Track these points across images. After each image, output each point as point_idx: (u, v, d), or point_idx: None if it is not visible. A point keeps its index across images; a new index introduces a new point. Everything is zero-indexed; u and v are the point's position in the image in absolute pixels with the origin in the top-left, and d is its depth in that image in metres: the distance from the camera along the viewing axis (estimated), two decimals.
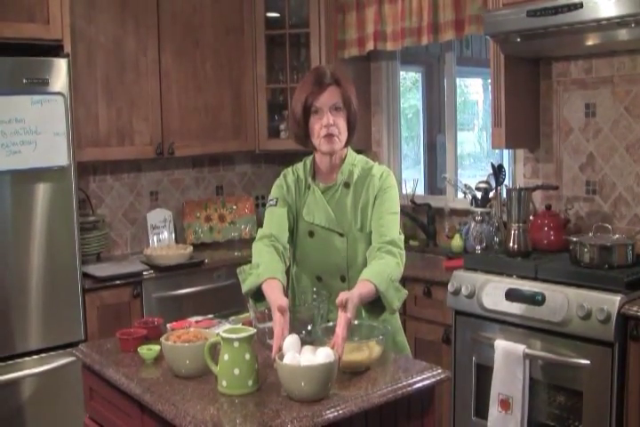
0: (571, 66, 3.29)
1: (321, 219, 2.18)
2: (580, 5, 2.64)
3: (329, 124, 2.09)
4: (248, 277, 2.06)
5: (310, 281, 2.26)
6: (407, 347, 2.36)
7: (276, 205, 2.22)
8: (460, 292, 2.97)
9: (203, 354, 1.86)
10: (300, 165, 2.29)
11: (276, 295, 1.92)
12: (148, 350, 2.03)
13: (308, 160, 2.28)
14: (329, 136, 2.10)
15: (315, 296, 2.17)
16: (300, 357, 1.73)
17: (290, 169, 2.30)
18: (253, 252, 2.16)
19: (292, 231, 2.25)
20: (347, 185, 2.19)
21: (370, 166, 2.24)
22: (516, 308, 2.79)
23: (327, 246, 2.18)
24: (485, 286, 2.91)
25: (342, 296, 1.84)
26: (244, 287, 2.06)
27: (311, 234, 2.20)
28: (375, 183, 2.18)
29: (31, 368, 3.07)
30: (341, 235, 2.17)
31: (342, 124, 2.11)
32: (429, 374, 1.90)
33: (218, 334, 1.86)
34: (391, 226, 2.13)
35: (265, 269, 2.03)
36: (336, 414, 1.67)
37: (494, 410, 2.79)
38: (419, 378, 1.88)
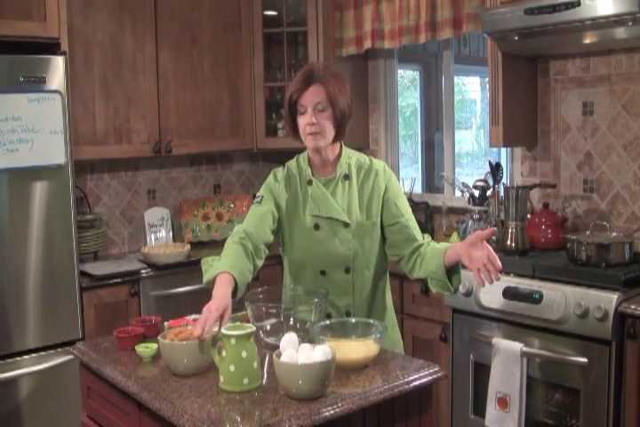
0: (568, 64, 3.29)
1: (326, 210, 2.21)
2: (578, 4, 2.64)
3: (311, 123, 2.13)
4: (209, 269, 2.07)
5: (313, 276, 2.26)
6: (400, 344, 2.38)
7: (260, 203, 2.25)
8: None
9: (200, 352, 1.87)
10: (292, 162, 2.32)
11: (221, 291, 1.94)
12: (145, 349, 2.03)
13: (302, 157, 2.31)
14: (312, 134, 2.14)
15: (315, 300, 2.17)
16: (297, 355, 1.73)
17: (280, 167, 2.33)
18: (224, 247, 2.17)
19: (278, 229, 2.26)
20: (346, 177, 2.24)
21: (367, 160, 2.30)
22: (513, 306, 2.79)
23: (333, 238, 2.21)
24: None
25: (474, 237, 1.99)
26: (204, 279, 2.07)
27: (317, 227, 2.21)
28: (380, 179, 2.25)
29: (29, 367, 3.06)
30: (346, 225, 2.21)
31: (326, 122, 2.14)
32: (427, 373, 1.91)
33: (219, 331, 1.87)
34: (418, 228, 2.26)
35: (224, 263, 2.04)
36: (334, 412, 1.67)
37: (492, 408, 2.79)
38: (416, 376, 1.88)
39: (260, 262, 2.18)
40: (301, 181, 2.27)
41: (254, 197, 2.33)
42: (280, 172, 2.31)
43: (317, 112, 2.13)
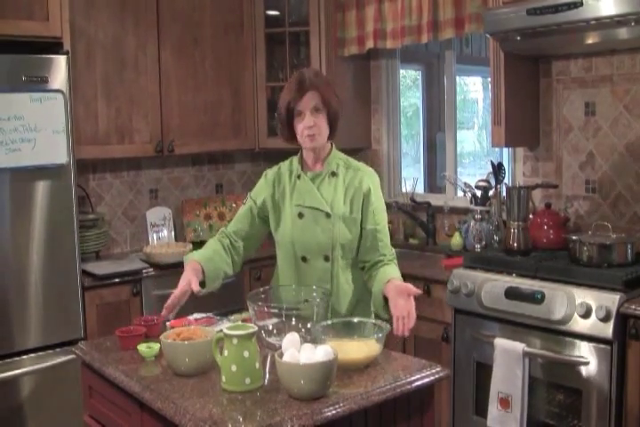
0: (570, 64, 3.29)
1: (310, 201, 2.37)
2: (580, 4, 2.64)
3: (310, 126, 2.29)
4: (185, 261, 2.37)
5: (295, 262, 2.39)
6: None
7: (245, 204, 2.50)
8: (459, 290, 2.97)
9: (202, 352, 1.88)
10: (286, 162, 2.50)
11: (187, 275, 2.26)
12: (147, 348, 2.04)
13: (295, 157, 2.48)
14: (310, 136, 2.31)
15: (314, 295, 2.25)
16: (299, 355, 1.73)
17: (274, 166, 2.52)
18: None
19: (262, 222, 2.47)
20: (333, 174, 2.40)
21: (355, 163, 2.46)
22: (515, 306, 2.79)
23: (315, 226, 2.36)
24: (485, 285, 2.91)
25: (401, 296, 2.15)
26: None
27: (300, 215, 2.37)
28: (366, 180, 2.39)
29: (30, 366, 3.06)
30: (328, 215, 2.34)
31: (322, 123, 2.31)
32: (429, 373, 1.91)
33: (221, 330, 1.87)
34: (387, 239, 2.41)
35: (195, 254, 2.37)
36: (335, 412, 1.67)
37: (494, 408, 2.79)
38: (418, 376, 1.88)
39: (238, 258, 2.45)
40: (291, 176, 2.44)
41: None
42: (271, 170, 2.51)
43: (314, 114, 2.29)
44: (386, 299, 2.21)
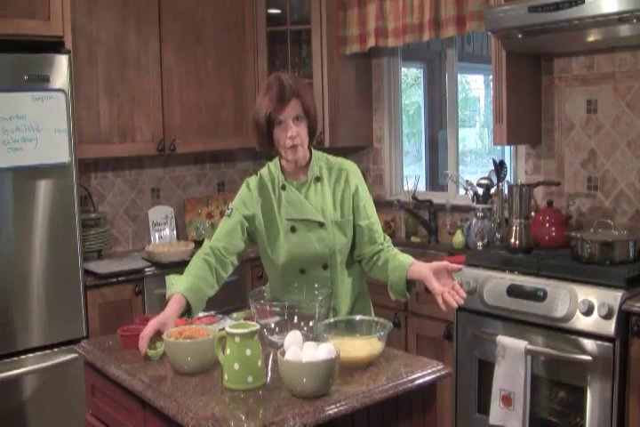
0: (572, 62, 3.29)
1: (301, 213, 2.27)
2: (582, 1, 2.63)
3: (293, 136, 2.19)
4: (170, 286, 2.18)
5: (293, 275, 2.31)
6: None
7: (230, 216, 2.33)
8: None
9: (204, 350, 1.88)
10: (264, 170, 2.38)
11: (165, 312, 2.08)
12: (152, 348, 2.03)
13: (273, 164, 2.36)
14: (293, 147, 2.20)
15: (316, 293, 2.23)
16: (301, 353, 1.73)
17: (253, 176, 2.40)
18: (190, 263, 2.29)
19: (252, 237, 2.35)
20: (317, 179, 2.31)
21: (337, 161, 2.37)
22: (517, 304, 2.79)
23: (310, 238, 2.27)
24: (487, 282, 2.91)
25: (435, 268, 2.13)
26: (166, 296, 2.17)
27: (293, 229, 2.28)
28: (352, 178, 2.32)
29: (33, 365, 3.07)
30: (321, 224, 2.27)
31: (304, 132, 2.22)
32: (431, 370, 1.91)
33: (223, 329, 1.87)
34: (380, 227, 2.36)
35: (181, 283, 2.16)
36: (338, 410, 1.67)
37: (496, 406, 2.79)
38: (420, 374, 1.88)
39: (225, 274, 2.28)
40: (274, 187, 2.32)
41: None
42: (253, 180, 2.37)
43: (296, 123, 2.19)
44: (409, 282, 2.20)
